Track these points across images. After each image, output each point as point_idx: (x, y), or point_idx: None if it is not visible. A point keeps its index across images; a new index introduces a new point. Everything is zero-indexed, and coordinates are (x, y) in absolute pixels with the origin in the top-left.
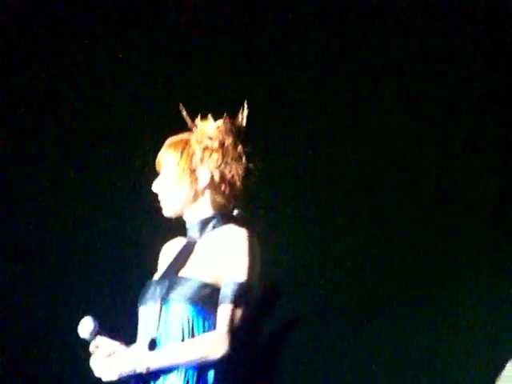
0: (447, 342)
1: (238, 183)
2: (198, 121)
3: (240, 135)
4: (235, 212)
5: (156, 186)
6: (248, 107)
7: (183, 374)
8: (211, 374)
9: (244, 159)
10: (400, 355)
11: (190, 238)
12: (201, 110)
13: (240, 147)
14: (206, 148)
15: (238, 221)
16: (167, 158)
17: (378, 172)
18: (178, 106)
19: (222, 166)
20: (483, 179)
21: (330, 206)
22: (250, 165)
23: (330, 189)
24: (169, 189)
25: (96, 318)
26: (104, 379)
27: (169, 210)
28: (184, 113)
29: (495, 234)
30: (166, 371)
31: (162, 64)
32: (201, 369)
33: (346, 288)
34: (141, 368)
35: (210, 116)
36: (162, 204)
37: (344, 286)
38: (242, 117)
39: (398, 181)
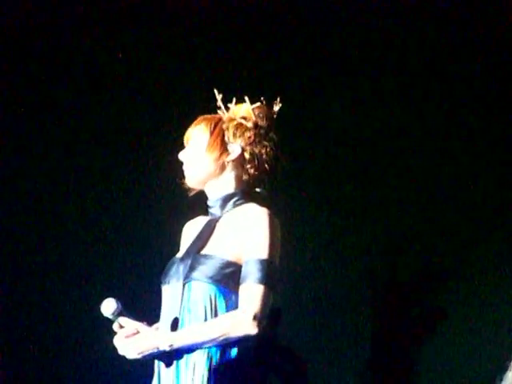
0: (455, 340)
1: (266, 164)
2: (231, 105)
3: (273, 122)
4: (257, 190)
5: (183, 155)
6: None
7: (206, 352)
8: (234, 352)
9: (274, 144)
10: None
11: (211, 215)
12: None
13: (272, 132)
14: (239, 125)
15: (260, 199)
16: (198, 130)
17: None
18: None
19: (254, 144)
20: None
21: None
22: (279, 152)
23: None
24: (196, 158)
25: (119, 298)
26: (128, 357)
27: (192, 180)
28: (218, 97)
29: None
30: (189, 349)
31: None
32: (224, 347)
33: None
34: (163, 347)
35: (246, 98)
36: (186, 173)
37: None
38: (277, 106)
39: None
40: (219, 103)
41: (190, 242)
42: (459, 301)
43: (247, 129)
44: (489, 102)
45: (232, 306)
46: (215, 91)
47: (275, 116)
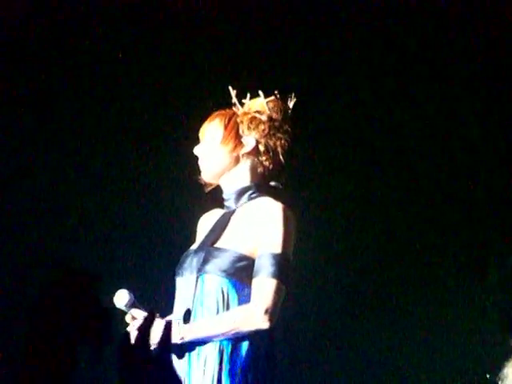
0: (445, 341)
1: (281, 156)
2: (245, 100)
3: (287, 115)
4: (272, 183)
5: (198, 149)
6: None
7: (218, 345)
8: (245, 346)
9: (289, 137)
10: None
11: (226, 208)
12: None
13: (287, 126)
14: (253, 118)
15: (275, 193)
16: (212, 125)
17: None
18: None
19: (268, 136)
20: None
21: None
22: (295, 145)
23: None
24: (211, 151)
25: (132, 289)
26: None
27: (207, 174)
28: (233, 93)
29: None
30: (201, 342)
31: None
32: (235, 340)
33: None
34: (176, 339)
35: (261, 93)
36: (202, 167)
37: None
38: (291, 100)
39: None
40: (234, 99)
41: (205, 234)
42: (459, 301)
43: (261, 122)
44: (489, 102)
45: (244, 299)
46: (230, 88)
47: (290, 111)
